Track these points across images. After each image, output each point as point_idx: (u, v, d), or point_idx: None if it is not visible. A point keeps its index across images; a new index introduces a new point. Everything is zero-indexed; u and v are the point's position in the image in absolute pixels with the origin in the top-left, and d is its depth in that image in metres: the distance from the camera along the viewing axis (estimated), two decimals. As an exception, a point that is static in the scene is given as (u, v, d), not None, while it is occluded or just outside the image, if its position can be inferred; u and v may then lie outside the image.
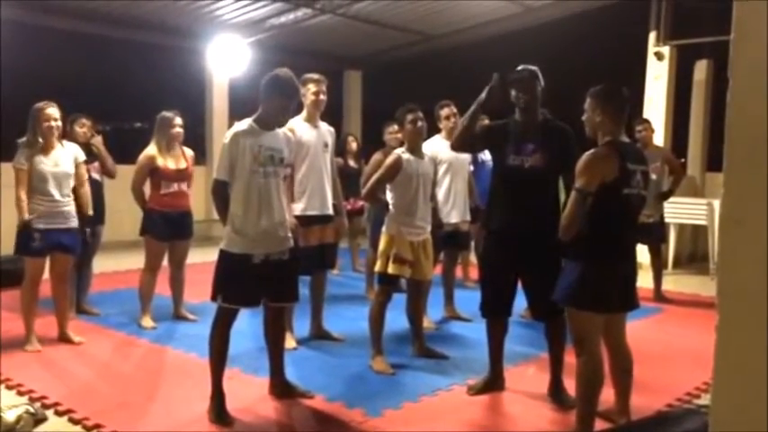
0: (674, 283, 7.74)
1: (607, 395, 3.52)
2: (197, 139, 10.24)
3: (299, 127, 4.67)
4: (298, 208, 4.62)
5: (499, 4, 9.77)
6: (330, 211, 4.87)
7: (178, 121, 5.45)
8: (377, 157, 6.26)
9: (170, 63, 11.41)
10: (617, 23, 10.14)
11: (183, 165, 5.48)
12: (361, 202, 7.34)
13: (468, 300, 5.56)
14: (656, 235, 6.89)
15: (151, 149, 5.41)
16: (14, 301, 5.56)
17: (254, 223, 3.59)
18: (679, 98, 9.50)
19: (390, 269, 4.40)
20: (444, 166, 5.46)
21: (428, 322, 5.36)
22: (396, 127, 6.60)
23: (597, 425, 3.38)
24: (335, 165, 7.47)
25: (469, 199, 5.75)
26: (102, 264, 6.75)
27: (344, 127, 12.01)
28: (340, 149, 7.72)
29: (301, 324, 5.09)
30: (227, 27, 9.95)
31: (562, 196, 3.98)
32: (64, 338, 4.94)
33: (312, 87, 4.77)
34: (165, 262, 5.65)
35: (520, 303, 4.24)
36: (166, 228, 5.43)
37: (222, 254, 3.64)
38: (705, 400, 3.87)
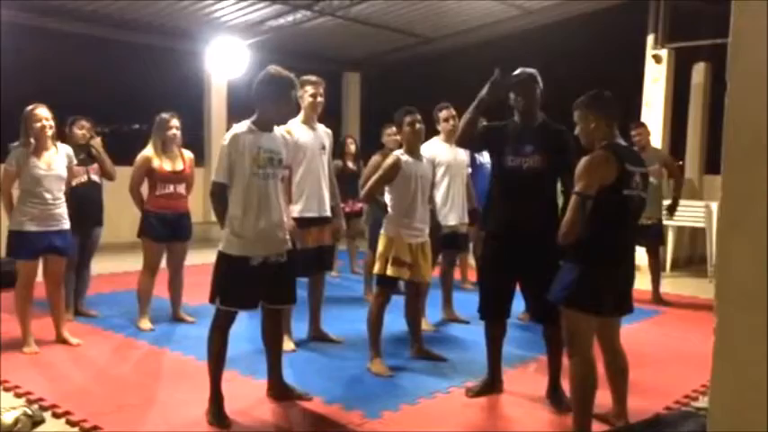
0: (672, 285, 7.74)
1: (605, 398, 3.52)
2: (196, 140, 10.25)
3: (296, 129, 4.67)
4: (295, 210, 4.62)
5: (498, 7, 9.78)
6: (327, 213, 4.87)
7: (175, 122, 5.45)
8: (375, 158, 6.26)
9: (169, 65, 11.42)
10: (615, 26, 10.16)
11: (179, 166, 5.48)
12: (359, 204, 7.34)
13: (467, 302, 5.56)
14: (654, 237, 6.89)
15: (148, 151, 5.41)
16: (12, 302, 5.56)
17: (253, 225, 3.59)
18: (677, 101, 9.51)
19: (389, 271, 4.40)
20: (442, 168, 5.46)
21: (426, 324, 5.35)
22: (394, 129, 6.61)
23: (595, 427, 3.38)
24: (334, 167, 7.52)
25: (468, 201, 5.75)
26: (100, 266, 6.75)
27: (343, 129, 12.03)
28: (339, 151, 7.72)
29: (299, 326, 5.09)
30: (226, 29, 9.96)
31: (560, 200, 3.99)
32: (61, 340, 4.93)
33: (309, 89, 4.77)
34: (164, 264, 5.65)
35: (518, 306, 4.25)
36: (163, 229, 5.43)
37: (220, 256, 3.64)
38: (703, 402, 3.87)
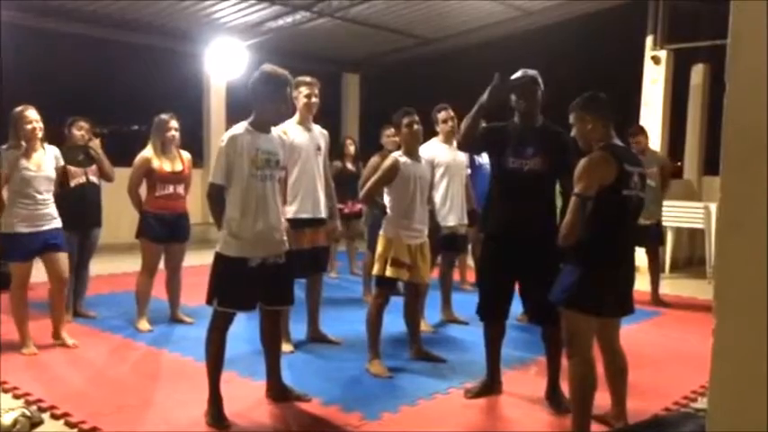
0: (671, 286, 7.75)
1: (604, 399, 3.52)
2: (195, 141, 10.25)
3: (291, 130, 4.66)
4: (290, 211, 4.61)
5: (497, 8, 9.79)
6: (322, 215, 4.86)
7: (173, 123, 5.46)
8: (374, 160, 6.26)
9: (168, 66, 11.43)
10: (614, 27, 10.18)
11: (178, 167, 5.48)
12: (359, 205, 7.34)
13: (466, 303, 5.56)
14: (653, 238, 6.89)
15: (147, 152, 5.41)
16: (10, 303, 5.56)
17: (251, 227, 3.58)
18: (676, 102, 9.53)
19: (388, 272, 4.40)
20: (441, 169, 5.46)
21: (425, 325, 5.35)
22: (393, 130, 6.62)
23: (594, 428, 3.38)
24: (334, 168, 7.52)
25: (467, 202, 5.75)
26: (98, 267, 6.75)
27: (342, 130, 12.04)
28: (338, 152, 7.73)
29: (298, 328, 5.08)
30: (225, 30, 9.96)
31: (558, 202, 3.99)
32: (59, 341, 4.90)
33: (304, 90, 4.77)
34: (162, 265, 5.64)
35: (517, 307, 4.25)
36: (162, 230, 5.43)
37: (218, 257, 3.64)
38: (702, 403, 3.87)
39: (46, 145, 4.86)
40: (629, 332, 5.24)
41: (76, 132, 5.53)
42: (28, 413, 3.50)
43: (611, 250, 3.26)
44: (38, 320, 5.04)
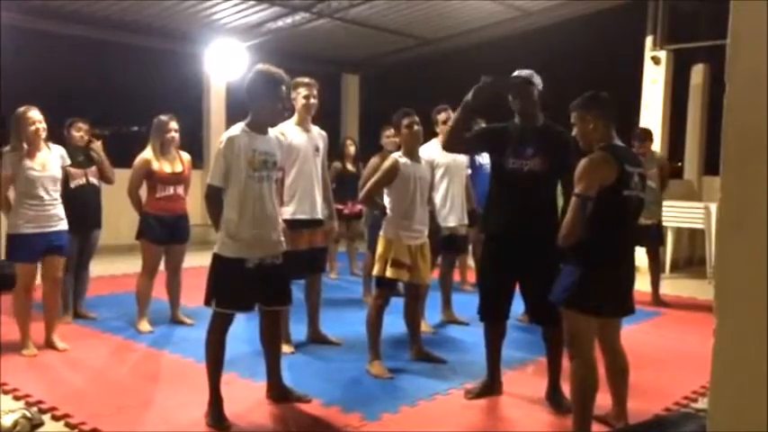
0: (671, 286, 7.75)
1: (604, 399, 3.52)
2: (195, 142, 10.25)
3: (290, 131, 4.65)
4: (287, 212, 4.61)
5: (496, 9, 9.79)
6: (320, 216, 4.86)
7: (173, 125, 5.46)
8: (374, 161, 6.26)
9: (168, 67, 11.43)
10: (614, 28, 10.18)
11: (178, 168, 5.48)
12: (359, 206, 7.33)
13: (466, 303, 5.56)
14: (653, 238, 6.89)
15: (147, 153, 5.41)
16: (10, 305, 5.55)
17: (249, 228, 3.58)
18: (676, 102, 9.53)
19: (388, 273, 4.40)
20: (441, 169, 5.46)
21: (426, 326, 5.35)
22: (393, 131, 6.62)
23: (595, 429, 3.37)
24: (334, 169, 7.52)
25: (467, 203, 5.75)
26: (99, 268, 6.75)
27: (342, 131, 12.03)
28: (339, 153, 7.73)
29: (298, 328, 5.08)
30: (224, 31, 9.96)
31: (560, 201, 3.99)
32: (50, 344, 4.87)
33: (303, 91, 4.76)
34: (163, 266, 5.64)
35: (518, 307, 4.25)
36: (162, 231, 5.43)
37: (216, 258, 3.64)
38: (703, 403, 3.87)
39: (51, 144, 4.86)
40: (630, 332, 5.23)
41: (75, 133, 5.53)
42: (28, 414, 3.50)
43: (611, 250, 3.26)
44: (38, 322, 5.03)
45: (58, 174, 4.81)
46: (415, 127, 4.46)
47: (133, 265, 6.18)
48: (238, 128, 3.64)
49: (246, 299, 3.69)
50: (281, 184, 4.44)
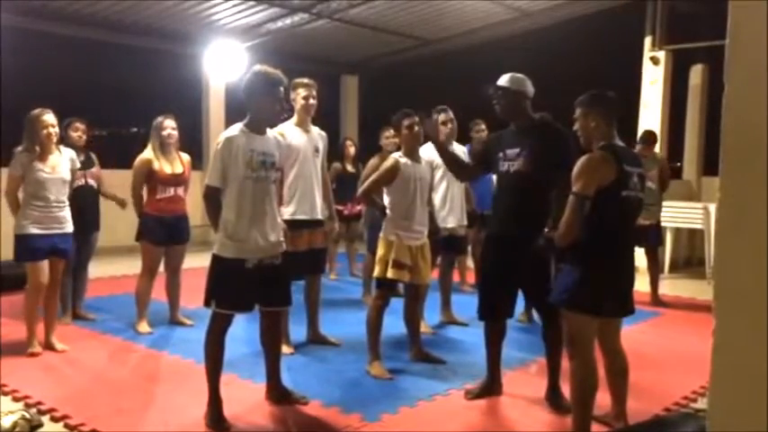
0: (670, 286, 7.75)
1: (604, 399, 3.52)
2: (194, 143, 10.24)
3: (289, 131, 4.65)
4: (287, 212, 4.61)
5: (496, 9, 9.79)
6: (319, 216, 4.86)
7: (168, 122, 5.46)
8: (373, 161, 6.26)
9: (167, 68, 11.42)
10: (613, 28, 10.18)
11: (178, 169, 5.49)
12: (358, 207, 7.33)
13: (466, 304, 5.56)
14: (652, 239, 6.89)
15: (147, 153, 5.42)
16: (10, 306, 5.56)
17: (247, 228, 3.58)
18: (675, 103, 9.53)
19: (389, 274, 4.40)
20: (441, 170, 5.45)
21: (425, 327, 5.35)
22: (392, 131, 6.60)
23: (594, 429, 3.38)
24: (334, 169, 7.51)
25: (466, 203, 5.75)
26: (97, 269, 6.74)
27: (341, 132, 12.03)
28: (338, 154, 7.73)
29: (298, 329, 5.08)
30: (223, 32, 9.96)
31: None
32: (49, 345, 4.86)
33: (302, 92, 4.76)
34: (162, 267, 5.64)
35: (518, 307, 4.25)
36: (162, 232, 5.43)
37: (215, 259, 3.63)
38: (702, 403, 3.87)
39: (62, 147, 4.87)
40: (629, 333, 5.23)
41: (73, 134, 5.52)
42: (28, 416, 3.50)
43: (610, 250, 3.26)
44: (38, 323, 5.02)
45: (68, 177, 4.83)
46: (416, 127, 4.47)
47: (132, 266, 6.18)
48: (236, 128, 3.64)
49: (246, 299, 3.68)
50: (281, 185, 4.43)
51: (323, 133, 5.01)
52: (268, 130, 3.79)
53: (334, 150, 7.68)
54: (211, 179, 3.61)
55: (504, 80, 3.95)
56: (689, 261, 9.46)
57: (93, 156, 5.65)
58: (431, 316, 5.67)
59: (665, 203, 7.19)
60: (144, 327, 5.45)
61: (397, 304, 4.75)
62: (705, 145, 10.31)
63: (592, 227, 3.15)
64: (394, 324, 4.84)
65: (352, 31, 10.33)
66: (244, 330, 4.64)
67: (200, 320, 4.93)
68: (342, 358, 4.82)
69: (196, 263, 6.08)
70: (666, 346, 5.41)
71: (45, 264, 4.76)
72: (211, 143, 10.37)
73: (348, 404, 3.91)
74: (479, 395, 4.08)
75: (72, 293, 5.66)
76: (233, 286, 3.60)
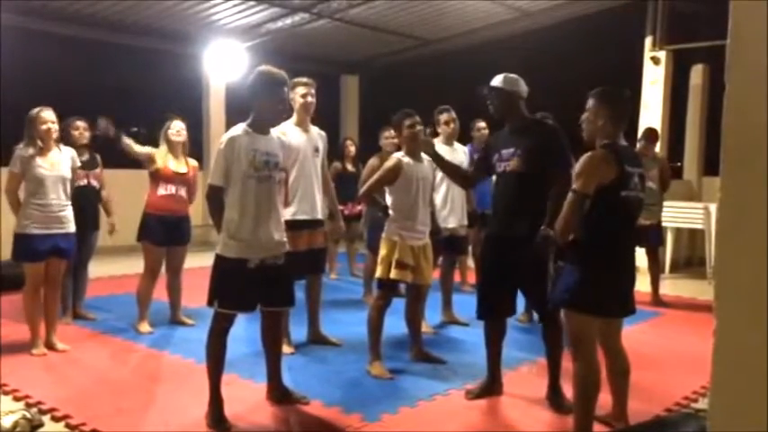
0: (671, 286, 7.75)
1: (605, 399, 3.52)
2: (194, 143, 10.22)
3: (289, 131, 4.65)
4: (287, 212, 4.61)
5: (496, 9, 9.79)
6: (320, 216, 4.85)
7: (176, 124, 5.49)
8: (373, 162, 6.26)
9: (167, 68, 11.40)
10: (613, 28, 10.18)
11: (182, 169, 5.50)
12: (359, 207, 7.33)
13: (466, 304, 5.56)
14: (653, 239, 6.89)
15: (158, 149, 5.44)
16: (10, 306, 5.56)
17: (250, 228, 3.58)
18: (675, 103, 9.53)
19: (392, 274, 4.39)
20: (442, 171, 5.45)
21: (426, 327, 5.34)
22: (392, 131, 6.60)
23: (595, 429, 3.37)
24: (334, 169, 7.51)
25: (467, 204, 5.75)
26: (98, 269, 6.74)
27: (341, 132, 12.03)
28: (338, 154, 7.73)
29: (298, 330, 5.08)
30: (224, 32, 9.96)
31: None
32: (50, 345, 4.86)
33: (300, 90, 4.75)
34: (163, 267, 5.64)
35: (518, 307, 4.25)
36: (163, 233, 5.43)
37: (218, 259, 3.64)
38: (703, 404, 3.87)
39: (62, 146, 4.87)
40: (630, 333, 5.22)
41: (74, 132, 5.53)
42: (28, 415, 3.50)
43: (611, 250, 3.25)
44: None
45: (68, 175, 4.82)
46: (417, 127, 4.47)
47: (133, 265, 6.18)
48: (240, 128, 3.65)
49: (248, 299, 3.69)
50: (285, 184, 4.43)
51: (322, 133, 5.00)
52: (272, 129, 3.79)
53: (335, 150, 7.67)
54: (214, 179, 3.61)
55: (497, 81, 3.98)
56: (689, 261, 9.46)
57: (98, 157, 5.65)
58: (432, 316, 5.67)
59: (665, 203, 7.19)
60: (145, 327, 5.45)
61: (398, 304, 4.75)
62: (706, 145, 10.30)
63: (592, 226, 3.14)
64: (394, 324, 4.84)
65: (352, 31, 10.33)
66: (245, 330, 4.64)
67: (202, 320, 4.93)
68: (342, 358, 4.82)
69: (197, 262, 6.09)
70: (667, 346, 5.41)
71: (43, 264, 4.76)
72: (212, 143, 10.39)
73: (348, 404, 3.91)
74: (480, 395, 4.08)
75: (72, 293, 5.66)
76: (235, 286, 3.60)
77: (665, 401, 4.02)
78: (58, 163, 4.75)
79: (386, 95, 12.40)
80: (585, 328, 3.27)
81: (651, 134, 7.03)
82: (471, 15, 9.98)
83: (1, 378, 4.17)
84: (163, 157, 5.41)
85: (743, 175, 1.34)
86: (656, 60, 9.05)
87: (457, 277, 6.57)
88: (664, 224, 7.41)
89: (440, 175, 5.42)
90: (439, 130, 5.65)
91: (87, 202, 5.50)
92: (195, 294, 5.26)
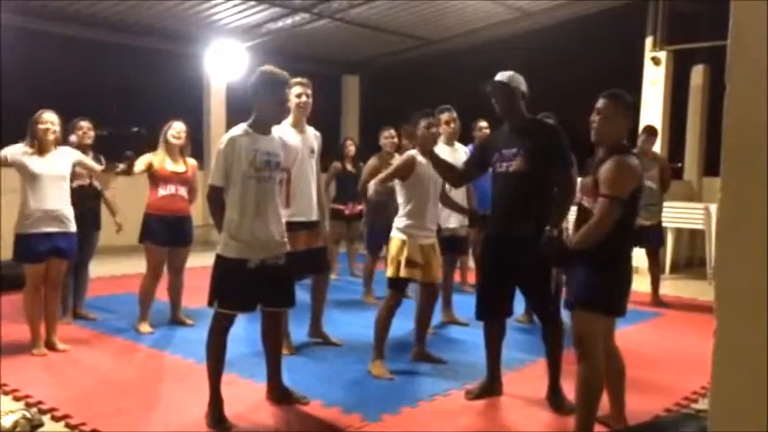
0: (671, 287, 7.75)
1: (602, 400, 3.51)
2: (194, 143, 10.22)
3: (285, 132, 4.63)
4: (285, 214, 4.60)
5: (497, 9, 9.80)
6: (315, 217, 4.85)
7: (176, 125, 5.49)
8: (373, 161, 6.26)
9: (168, 68, 11.41)
10: (614, 28, 10.18)
11: (180, 168, 5.50)
12: (359, 207, 7.33)
13: (466, 304, 5.55)
14: (654, 239, 6.89)
15: (155, 153, 5.45)
16: (11, 306, 5.56)
17: (250, 228, 3.58)
18: (676, 103, 9.53)
19: (402, 272, 4.39)
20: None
21: (426, 327, 5.34)
22: (392, 131, 6.62)
23: (594, 429, 3.37)
24: (334, 168, 7.52)
25: (468, 204, 5.74)
26: (98, 269, 6.75)
27: (342, 131, 12.04)
28: (339, 153, 7.72)
29: (298, 330, 5.08)
30: (224, 32, 9.97)
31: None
32: (50, 345, 4.86)
33: (296, 90, 4.72)
34: (165, 268, 5.64)
35: (518, 308, 4.24)
36: (165, 233, 5.43)
37: (218, 259, 3.64)
38: (703, 404, 3.87)
39: (60, 147, 4.87)
40: (630, 333, 5.25)
41: (77, 132, 5.53)
42: (28, 415, 3.50)
43: (623, 251, 3.30)
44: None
45: (66, 173, 4.82)
46: (433, 128, 4.47)
47: (133, 265, 6.18)
48: (240, 128, 3.64)
49: (248, 299, 3.69)
50: (287, 184, 4.43)
51: (317, 133, 4.98)
52: (273, 130, 3.79)
53: (335, 150, 7.69)
54: (214, 179, 3.61)
55: (502, 76, 3.96)
56: (690, 261, 9.46)
57: (102, 158, 5.66)
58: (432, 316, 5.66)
59: (666, 204, 7.18)
60: (145, 327, 5.45)
61: (403, 305, 4.74)
62: (706, 145, 10.31)
63: (615, 229, 3.16)
64: (395, 325, 4.83)
65: (353, 30, 10.33)
66: (245, 330, 4.64)
67: (202, 320, 4.93)
68: (342, 358, 4.82)
69: (198, 263, 6.09)
70: (667, 347, 5.40)
71: (44, 264, 4.76)
72: (212, 143, 10.40)
73: (349, 404, 3.91)
74: (480, 395, 4.08)
75: (73, 293, 5.66)
76: (236, 286, 3.60)
77: (665, 401, 4.02)
78: (56, 163, 4.75)
79: (386, 96, 12.42)
80: (596, 328, 3.28)
81: (651, 130, 7.04)
82: (472, 15, 9.98)
83: (1, 378, 4.16)
84: (160, 159, 5.41)
85: (743, 175, 1.34)
86: (656, 61, 9.05)
87: (457, 277, 6.57)
88: (664, 224, 7.40)
89: (441, 175, 5.43)
90: (440, 130, 5.64)
91: (88, 202, 5.50)
92: (196, 294, 5.26)
